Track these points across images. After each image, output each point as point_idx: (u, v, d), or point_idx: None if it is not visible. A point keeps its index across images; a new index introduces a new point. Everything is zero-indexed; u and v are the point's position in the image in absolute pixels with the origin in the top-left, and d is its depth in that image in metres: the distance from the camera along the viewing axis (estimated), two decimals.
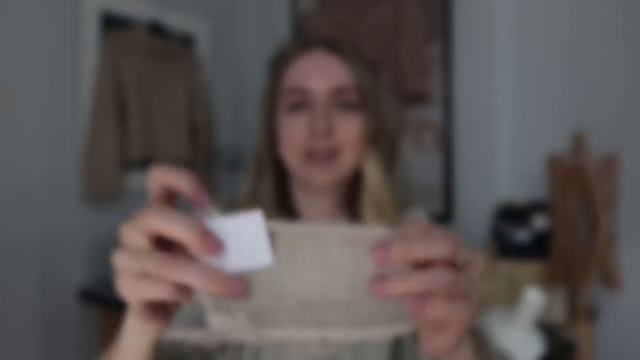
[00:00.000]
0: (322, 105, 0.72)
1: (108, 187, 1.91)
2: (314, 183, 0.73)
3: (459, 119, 1.87)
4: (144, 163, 2.05)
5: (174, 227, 0.36)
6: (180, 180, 0.40)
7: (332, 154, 0.72)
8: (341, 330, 0.38)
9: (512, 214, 1.50)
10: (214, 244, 0.36)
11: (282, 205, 0.78)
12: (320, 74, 0.73)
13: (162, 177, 0.40)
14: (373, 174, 0.74)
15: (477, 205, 1.79)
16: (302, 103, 0.73)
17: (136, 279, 0.37)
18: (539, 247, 1.44)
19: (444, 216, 1.88)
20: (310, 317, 0.38)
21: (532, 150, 1.67)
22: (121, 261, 0.39)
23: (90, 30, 1.93)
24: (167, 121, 2.13)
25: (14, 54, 1.74)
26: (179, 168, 0.41)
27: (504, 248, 1.47)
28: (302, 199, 0.79)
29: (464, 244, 0.38)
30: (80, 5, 1.90)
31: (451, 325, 0.39)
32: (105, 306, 1.86)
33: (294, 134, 0.72)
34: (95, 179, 1.89)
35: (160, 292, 0.36)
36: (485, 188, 1.80)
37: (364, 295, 0.38)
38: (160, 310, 0.41)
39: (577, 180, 1.31)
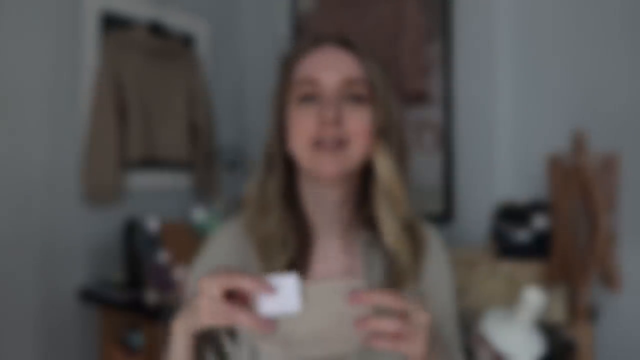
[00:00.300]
0: (332, 96, 0.72)
1: (108, 187, 1.91)
2: (322, 172, 0.72)
3: (459, 119, 1.87)
4: (144, 163, 2.05)
5: (247, 283, 0.60)
6: (244, 284, 0.60)
7: (340, 143, 0.72)
8: (336, 346, 0.67)
9: (512, 214, 1.50)
10: (269, 288, 0.60)
11: (290, 202, 0.78)
12: (330, 66, 0.74)
13: (229, 282, 0.61)
14: (384, 167, 0.74)
15: (477, 206, 1.79)
16: (312, 94, 0.73)
17: (214, 315, 0.61)
18: (539, 247, 1.44)
19: (444, 216, 1.88)
20: (316, 340, 0.67)
21: (532, 150, 1.67)
22: (203, 303, 0.62)
23: (91, 30, 1.93)
24: (167, 121, 2.13)
25: (14, 54, 1.74)
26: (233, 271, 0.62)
27: (504, 248, 1.47)
28: (309, 194, 0.79)
29: (411, 301, 0.61)
30: (80, 5, 1.90)
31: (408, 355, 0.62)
32: (104, 306, 1.86)
33: (304, 124, 0.73)
34: (95, 179, 1.89)
35: (226, 322, 0.61)
36: (485, 188, 1.80)
37: (348, 326, 0.62)
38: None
39: (577, 180, 1.31)
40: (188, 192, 2.28)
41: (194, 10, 2.30)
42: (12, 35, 1.74)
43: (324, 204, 0.78)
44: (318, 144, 0.72)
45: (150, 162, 2.08)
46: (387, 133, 0.75)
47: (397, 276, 0.74)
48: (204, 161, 2.26)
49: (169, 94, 2.14)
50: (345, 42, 0.76)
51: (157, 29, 2.09)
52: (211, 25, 2.38)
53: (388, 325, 0.60)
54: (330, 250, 0.79)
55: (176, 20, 2.21)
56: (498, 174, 1.79)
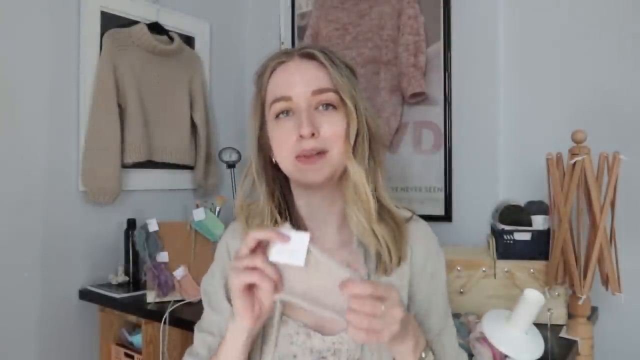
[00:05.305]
0: (304, 109, 0.78)
1: (108, 187, 1.91)
2: (309, 181, 0.79)
3: (459, 119, 1.87)
4: (144, 163, 2.04)
5: (266, 234, 0.68)
6: (265, 235, 0.67)
7: (320, 153, 0.78)
8: (327, 311, 0.67)
9: (511, 214, 1.50)
10: (285, 237, 0.66)
11: (282, 206, 0.85)
12: (299, 81, 0.79)
13: (257, 235, 0.68)
14: (353, 170, 0.79)
15: (477, 206, 1.79)
16: (286, 110, 0.79)
17: (241, 271, 0.68)
18: (539, 247, 1.44)
19: (444, 217, 1.88)
20: (314, 299, 0.68)
21: (532, 150, 1.67)
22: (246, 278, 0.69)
23: (91, 30, 1.93)
24: (167, 121, 2.13)
25: (15, 54, 1.74)
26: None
27: (504, 248, 1.47)
28: (300, 197, 0.86)
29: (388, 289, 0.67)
30: (81, 5, 1.90)
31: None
32: (104, 306, 1.86)
33: (284, 140, 0.79)
34: (95, 178, 1.89)
35: (254, 275, 0.68)
36: (486, 188, 1.80)
37: (338, 295, 0.65)
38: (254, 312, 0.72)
39: (577, 180, 1.31)
40: (188, 192, 2.28)
41: (194, 10, 2.30)
42: (13, 34, 1.74)
43: (315, 204, 0.85)
44: (300, 157, 0.78)
45: (150, 162, 2.08)
46: (358, 136, 0.80)
47: (382, 265, 0.81)
48: (204, 161, 2.26)
49: (169, 94, 2.14)
50: (307, 54, 0.81)
51: (157, 29, 2.09)
52: (211, 25, 2.38)
53: (365, 304, 0.63)
54: (328, 247, 0.84)
55: (176, 20, 2.21)
56: (498, 174, 1.79)
